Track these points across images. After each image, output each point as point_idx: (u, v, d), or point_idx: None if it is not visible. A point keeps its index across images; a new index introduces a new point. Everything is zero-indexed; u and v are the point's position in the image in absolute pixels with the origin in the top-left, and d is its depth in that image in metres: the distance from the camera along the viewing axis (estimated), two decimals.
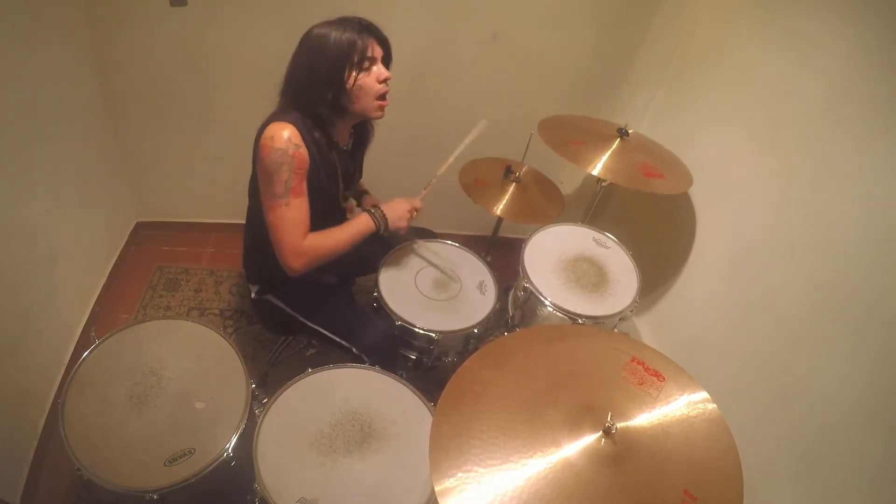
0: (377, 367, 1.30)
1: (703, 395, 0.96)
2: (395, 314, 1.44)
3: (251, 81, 1.87)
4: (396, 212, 1.42)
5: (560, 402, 0.91)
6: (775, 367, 1.45)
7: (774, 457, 1.38)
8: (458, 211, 1.76)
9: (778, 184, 1.53)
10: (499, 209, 1.69)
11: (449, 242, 1.72)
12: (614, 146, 1.72)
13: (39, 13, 1.51)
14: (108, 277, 2.07)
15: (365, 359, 1.42)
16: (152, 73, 1.89)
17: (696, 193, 1.87)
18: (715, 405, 0.94)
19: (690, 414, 0.93)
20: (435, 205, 1.61)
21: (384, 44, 1.27)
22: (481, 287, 1.59)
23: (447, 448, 0.83)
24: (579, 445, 0.85)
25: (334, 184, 1.36)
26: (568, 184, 2.32)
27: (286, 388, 1.21)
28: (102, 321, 1.94)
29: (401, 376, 1.28)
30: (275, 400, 1.19)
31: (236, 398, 1.18)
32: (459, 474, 0.80)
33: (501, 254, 1.97)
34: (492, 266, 1.66)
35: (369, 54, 1.22)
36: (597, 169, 1.66)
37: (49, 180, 1.62)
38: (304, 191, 1.24)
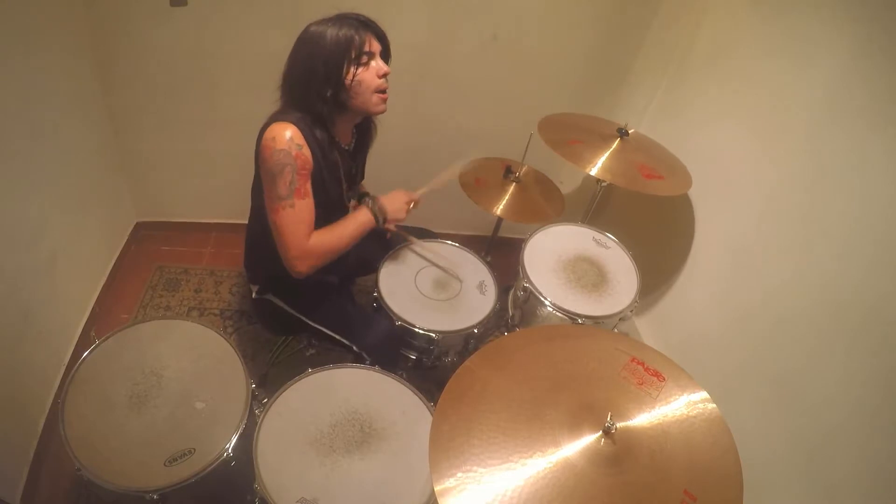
0: (377, 367, 1.30)
1: (703, 395, 0.96)
2: (395, 314, 1.45)
3: (251, 81, 1.86)
4: (395, 203, 1.42)
5: (560, 402, 0.91)
6: (775, 367, 1.45)
7: (774, 457, 1.38)
8: (458, 211, 1.76)
9: (778, 184, 1.53)
10: (499, 209, 1.69)
11: (449, 242, 1.72)
12: (614, 146, 1.73)
13: (39, 13, 1.51)
14: (108, 277, 2.07)
15: (366, 357, 1.42)
16: (152, 72, 1.89)
17: (696, 193, 1.87)
18: (715, 405, 0.94)
19: (690, 414, 0.93)
20: (435, 205, 1.61)
21: (382, 38, 1.27)
22: (481, 287, 1.59)
23: (447, 448, 0.83)
24: (579, 445, 0.85)
25: (337, 184, 1.36)
26: (568, 184, 2.32)
27: (286, 388, 1.21)
28: (102, 321, 1.94)
29: (401, 376, 1.28)
30: (275, 400, 1.19)
31: (236, 398, 1.18)
32: (459, 474, 0.80)
33: (501, 254, 1.98)
34: (492, 266, 1.66)
35: (367, 49, 1.22)
36: (596, 169, 1.66)
37: (49, 180, 1.62)
38: (309, 191, 1.23)
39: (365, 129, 1.45)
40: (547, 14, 1.91)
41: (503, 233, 2.02)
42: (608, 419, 0.85)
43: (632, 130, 1.79)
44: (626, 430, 0.88)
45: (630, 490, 0.82)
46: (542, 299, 1.52)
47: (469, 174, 1.79)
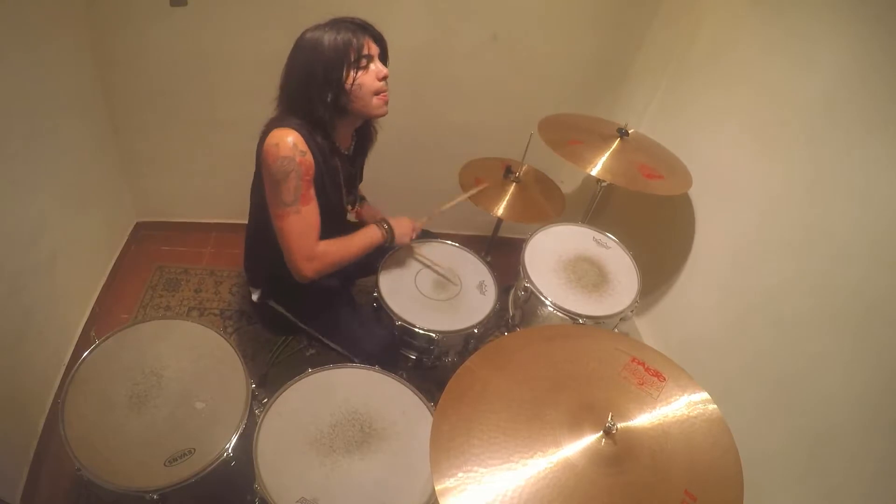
0: (377, 367, 1.30)
1: (704, 395, 0.96)
2: (396, 314, 1.44)
3: (251, 81, 1.86)
4: (402, 228, 1.48)
5: (560, 402, 0.91)
6: (776, 367, 1.45)
7: (775, 457, 1.38)
8: (458, 211, 1.75)
9: (778, 183, 1.53)
10: (499, 209, 1.69)
11: (449, 242, 1.72)
12: (614, 146, 1.73)
13: (39, 13, 1.51)
14: (108, 277, 2.07)
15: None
16: (152, 73, 1.89)
17: (696, 193, 1.87)
18: (715, 405, 0.94)
19: (691, 414, 0.93)
20: (435, 205, 1.61)
21: (380, 41, 1.26)
22: (481, 287, 1.59)
23: (447, 448, 0.83)
24: (580, 445, 0.85)
25: (337, 189, 1.36)
26: (568, 183, 2.32)
27: (286, 388, 1.21)
28: (102, 321, 1.94)
29: (401, 376, 1.28)
30: (275, 400, 1.19)
31: (236, 398, 1.18)
32: (460, 474, 0.80)
33: (501, 254, 1.97)
34: (492, 266, 1.66)
35: (366, 52, 1.22)
36: (596, 169, 1.66)
37: (49, 180, 1.62)
38: (313, 196, 1.24)
39: (364, 133, 1.45)
40: (547, 14, 1.91)
41: (503, 233, 2.02)
42: (609, 419, 0.85)
43: (632, 130, 1.79)
44: (627, 431, 0.88)
45: (630, 490, 0.82)
46: (543, 299, 1.52)
47: (469, 174, 1.79)
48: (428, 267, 1.60)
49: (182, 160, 2.17)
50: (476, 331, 1.47)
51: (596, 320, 1.51)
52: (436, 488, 0.78)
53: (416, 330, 1.43)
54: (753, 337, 1.55)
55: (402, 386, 1.26)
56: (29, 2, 1.46)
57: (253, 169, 1.32)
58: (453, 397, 0.91)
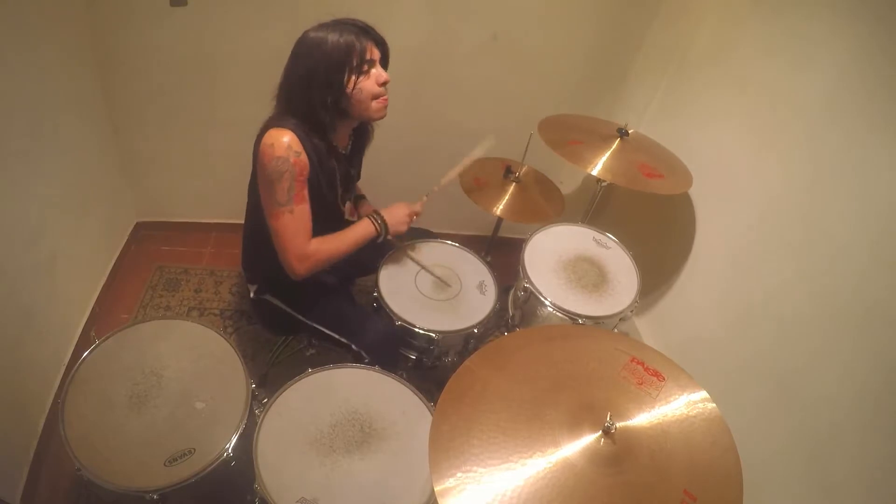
0: (377, 367, 1.30)
1: (703, 394, 0.96)
2: (396, 314, 1.44)
3: (251, 81, 1.86)
4: (396, 217, 1.45)
5: (560, 402, 0.91)
6: (775, 367, 1.45)
7: (774, 456, 1.38)
8: (458, 211, 1.76)
9: (778, 183, 1.53)
10: (499, 209, 1.69)
11: (449, 242, 1.72)
12: (614, 146, 1.73)
13: (39, 13, 1.51)
14: (108, 277, 2.07)
15: (365, 356, 1.42)
16: (152, 72, 1.89)
17: (696, 193, 1.87)
18: (715, 405, 0.94)
19: (690, 414, 0.93)
20: (435, 205, 1.60)
21: (382, 46, 1.27)
22: (481, 287, 1.59)
23: (447, 448, 0.83)
24: (579, 445, 0.85)
25: (333, 190, 1.36)
26: (568, 184, 2.32)
27: (286, 388, 1.21)
28: (102, 321, 1.94)
29: (401, 376, 1.28)
30: (275, 400, 1.19)
31: (236, 398, 1.18)
32: (459, 474, 0.80)
33: (501, 254, 1.97)
34: (492, 266, 1.66)
35: (368, 57, 1.22)
36: (596, 169, 1.66)
37: (49, 180, 1.62)
38: (307, 197, 1.24)
39: (362, 132, 1.45)
40: (547, 14, 1.91)
41: (503, 233, 2.02)
42: (608, 419, 0.85)
43: (632, 130, 1.79)
44: (626, 430, 0.88)
45: (630, 490, 0.82)
46: (543, 299, 1.52)
47: (469, 174, 1.79)
48: (424, 269, 1.59)
49: (182, 160, 2.17)
50: (476, 331, 1.47)
51: (596, 320, 1.51)
52: (435, 488, 0.78)
53: (416, 330, 1.43)
54: (753, 337, 1.55)
55: (402, 386, 1.26)
56: (29, 2, 1.46)
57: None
58: (453, 397, 0.91)
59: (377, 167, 1.61)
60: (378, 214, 1.43)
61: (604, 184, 1.77)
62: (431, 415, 1.11)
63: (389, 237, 1.45)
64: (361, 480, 1.08)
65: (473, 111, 2.12)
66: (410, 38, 1.84)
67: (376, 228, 1.41)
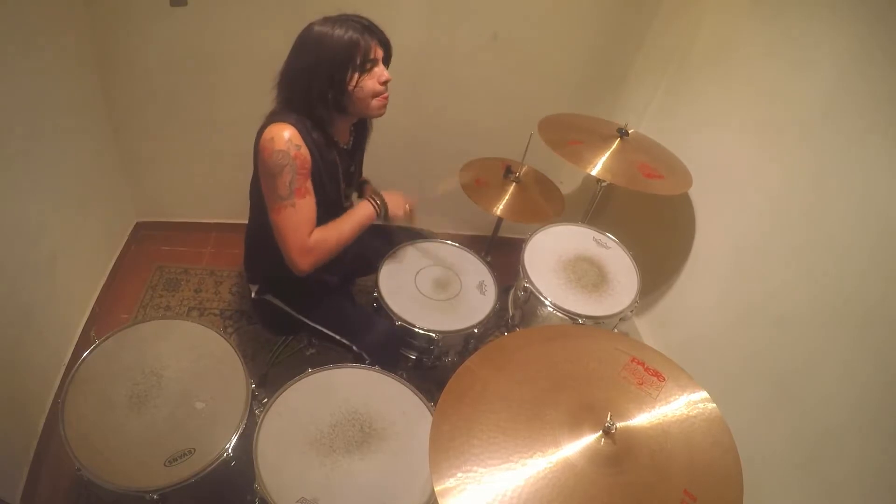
0: (377, 367, 1.30)
1: (703, 394, 0.96)
2: (396, 314, 1.44)
3: (251, 81, 1.85)
4: (396, 200, 1.44)
5: (560, 402, 0.91)
6: (775, 367, 1.45)
7: (774, 457, 1.38)
8: (458, 211, 1.76)
9: (778, 184, 1.53)
10: (499, 209, 1.69)
11: (449, 242, 1.72)
12: (614, 146, 1.73)
13: (39, 13, 1.51)
14: (108, 277, 2.07)
15: (366, 357, 1.42)
16: (152, 72, 1.89)
17: (696, 193, 1.87)
18: (715, 405, 0.94)
19: (690, 414, 0.93)
20: (435, 205, 1.61)
21: (385, 45, 1.27)
22: (481, 287, 1.59)
23: (447, 448, 0.83)
24: (579, 445, 0.85)
25: (336, 184, 1.36)
26: (568, 184, 2.32)
27: (286, 388, 1.21)
28: (102, 321, 1.94)
29: (401, 376, 1.28)
30: (275, 400, 1.19)
31: (236, 398, 1.18)
32: (459, 474, 0.80)
33: (501, 254, 1.97)
34: (492, 266, 1.66)
35: (372, 56, 1.22)
36: (596, 169, 1.66)
37: (49, 180, 1.62)
38: (310, 189, 1.23)
39: (362, 128, 1.45)
40: (547, 14, 1.91)
41: (503, 233, 2.02)
42: (608, 419, 0.85)
43: (632, 130, 1.79)
44: (626, 430, 0.88)
45: (630, 490, 0.82)
46: (543, 299, 1.52)
47: (469, 174, 1.79)
48: (429, 259, 1.58)
49: (182, 160, 2.17)
50: (476, 331, 1.47)
51: (596, 320, 1.52)
52: (435, 488, 0.78)
53: (416, 330, 1.43)
54: (753, 336, 1.55)
55: (402, 386, 1.26)
56: (29, 2, 1.46)
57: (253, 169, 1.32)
58: (453, 397, 0.91)
59: (377, 166, 1.61)
60: (378, 195, 1.41)
61: (604, 184, 1.77)
62: (431, 415, 1.12)
63: (387, 220, 1.43)
64: (361, 480, 1.08)
65: (473, 111, 2.13)
66: (410, 37, 1.84)
67: (376, 210, 1.38)
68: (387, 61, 1.29)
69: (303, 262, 1.26)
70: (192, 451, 1.09)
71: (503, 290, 1.62)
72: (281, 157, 1.17)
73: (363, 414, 1.19)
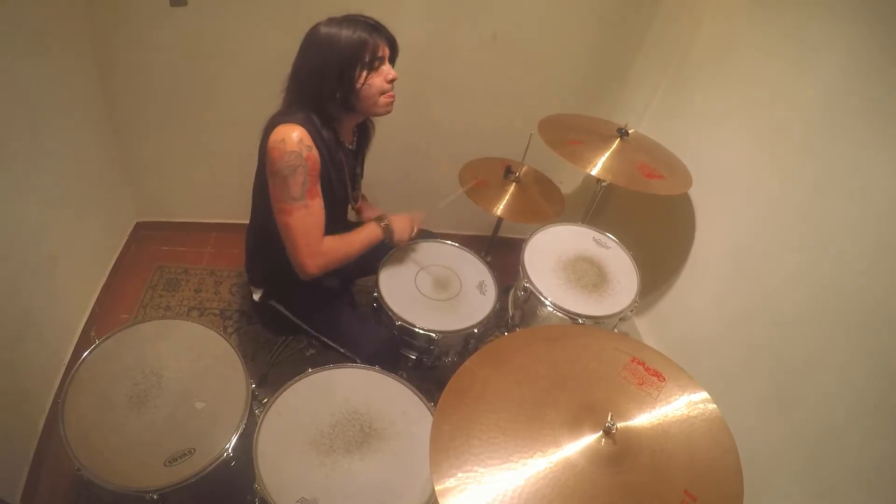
0: (377, 368, 1.30)
1: (704, 395, 0.96)
2: (396, 314, 1.44)
3: (251, 81, 1.87)
4: (401, 224, 1.47)
5: (560, 402, 0.91)
6: (775, 367, 1.45)
7: (775, 457, 1.38)
8: (458, 211, 1.75)
9: (778, 184, 1.53)
10: (499, 209, 1.69)
11: (449, 242, 1.72)
12: (614, 146, 1.73)
13: (40, 13, 1.51)
14: (108, 277, 2.07)
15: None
16: (152, 72, 1.89)
17: (696, 194, 1.87)
18: (715, 405, 0.94)
19: (691, 414, 0.93)
20: (435, 205, 1.61)
21: (392, 44, 1.28)
22: (481, 287, 1.59)
23: (447, 448, 0.83)
24: (579, 445, 0.85)
25: (343, 184, 1.36)
26: (568, 184, 2.32)
27: (286, 388, 1.21)
28: (102, 321, 1.94)
29: (401, 376, 1.28)
30: (275, 400, 1.19)
31: (236, 398, 1.18)
32: (459, 474, 0.80)
33: (501, 254, 1.97)
34: (492, 266, 1.66)
35: (380, 54, 1.23)
36: (596, 169, 1.66)
37: (49, 180, 1.62)
38: (319, 192, 1.24)
39: (364, 129, 1.46)
40: (547, 14, 1.91)
41: (503, 233, 2.02)
42: (608, 419, 0.85)
43: (632, 130, 1.79)
44: (627, 430, 0.88)
45: (630, 490, 0.82)
46: (543, 299, 1.52)
47: (469, 174, 1.79)
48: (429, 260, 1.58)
49: (182, 160, 2.17)
50: (476, 331, 1.47)
51: (596, 320, 1.51)
52: (435, 488, 0.78)
53: (416, 330, 1.43)
54: (753, 336, 1.55)
55: (402, 386, 1.26)
56: (29, 2, 1.46)
57: (254, 169, 1.32)
58: (453, 397, 0.91)
59: (377, 167, 1.61)
60: (385, 219, 1.45)
61: (604, 184, 1.77)
62: (431, 415, 1.12)
63: (392, 243, 1.48)
64: (361, 480, 1.08)
65: (473, 111, 2.13)
66: (411, 37, 1.82)
67: (384, 234, 1.43)
68: (393, 60, 1.30)
69: (312, 266, 1.26)
70: (192, 451, 1.09)
71: (503, 290, 1.62)
72: (294, 158, 1.17)
73: (363, 414, 1.19)
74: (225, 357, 1.26)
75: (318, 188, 1.24)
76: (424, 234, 1.73)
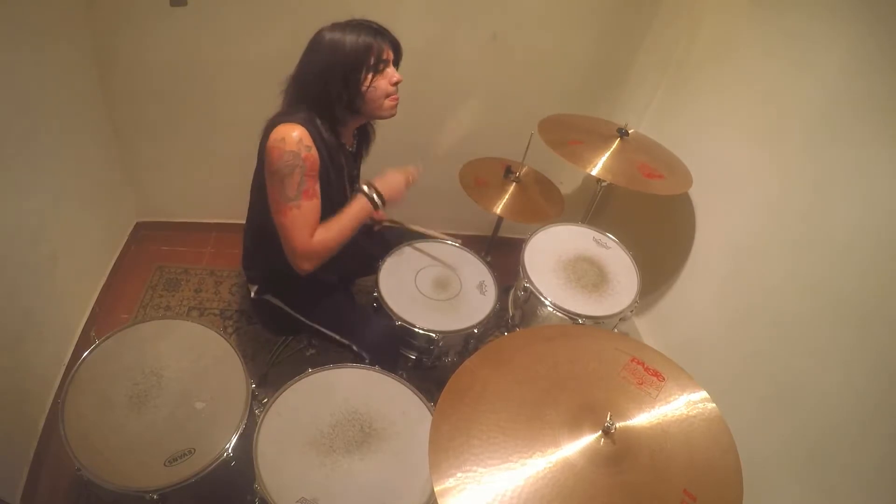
0: (377, 367, 1.30)
1: (703, 394, 0.96)
2: (396, 314, 1.44)
3: (251, 81, 1.87)
4: (390, 183, 1.39)
5: (560, 402, 0.91)
6: (775, 367, 1.45)
7: (774, 456, 1.38)
8: (458, 211, 1.76)
9: (778, 184, 1.53)
10: (499, 209, 1.69)
11: (449, 242, 1.72)
12: (614, 146, 1.73)
13: (40, 13, 1.51)
14: (108, 277, 2.07)
15: (365, 356, 1.42)
16: (152, 73, 1.89)
17: (696, 194, 1.87)
18: (714, 405, 0.94)
19: (690, 414, 0.93)
20: (435, 205, 1.61)
21: (396, 47, 1.29)
22: (481, 287, 1.59)
23: (447, 448, 0.83)
24: (579, 445, 0.85)
25: (342, 186, 1.36)
26: (568, 184, 2.32)
27: (286, 388, 1.21)
28: (102, 321, 1.94)
29: (401, 376, 1.28)
30: (275, 400, 1.19)
31: (236, 398, 1.18)
32: (459, 474, 0.80)
33: (501, 254, 1.98)
34: (492, 266, 1.66)
35: (384, 57, 1.24)
36: (596, 169, 1.66)
37: (49, 180, 1.62)
38: (317, 192, 1.24)
39: (365, 132, 1.46)
40: (547, 14, 1.91)
41: (503, 233, 2.02)
42: (608, 419, 0.85)
43: (632, 130, 1.80)
44: (626, 430, 0.88)
45: (630, 490, 0.82)
46: (543, 299, 1.52)
47: (469, 174, 1.79)
48: (430, 258, 1.58)
49: (182, 160, 2.17)
50: (476, 331, 1.47)
51: (596, 320, 1.51)
52: (435, 488, 0.78)
53: (416, 330, 1.43)
54: (753, 336, 1.55)
55: (402, 386, 1.26)
56: (30, 2, 1.46)
57: (253, 169, 1.32)
58: (453, 397, 0.91)
59: (377, 167, 1.60)
60: (370, 186, 1.37)
61: (604, 184, 1.77)
62: (431, 415, 1.11)
63: (387, 207, 1.40)
64: (361, 480, 1.08)
65: (473, 111, 2.12)
66: (410, 38, 1.82)
67: (372, 202, 1.35)
68: (397, 63, 1.31)
69: (306, 262, 1.27)
70: (192, 451, 1.09)
71: (503, 290, 1.62)
72: (291, 158, 1.17)
73: (363, 414, 1.19)
74: (225, 357, 1.26)
75: (316, 188, 1.24)
76: (424, 236, 1.73)
